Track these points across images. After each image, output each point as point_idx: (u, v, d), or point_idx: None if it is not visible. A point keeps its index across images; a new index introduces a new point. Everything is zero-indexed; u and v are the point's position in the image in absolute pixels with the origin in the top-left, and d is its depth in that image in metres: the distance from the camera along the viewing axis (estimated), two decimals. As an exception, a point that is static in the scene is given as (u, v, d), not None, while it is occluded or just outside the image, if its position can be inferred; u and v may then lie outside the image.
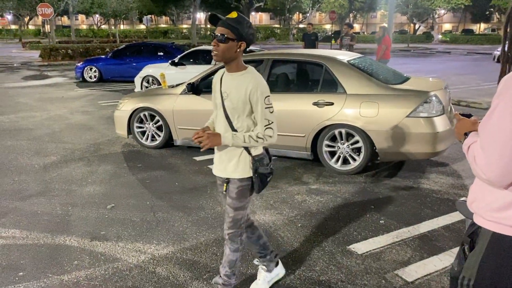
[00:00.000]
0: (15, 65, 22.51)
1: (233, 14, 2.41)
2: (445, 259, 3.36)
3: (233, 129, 2.51)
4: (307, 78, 6.05)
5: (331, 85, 5.37)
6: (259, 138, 2.50)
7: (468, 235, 1.78)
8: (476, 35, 58.40)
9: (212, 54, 2.43)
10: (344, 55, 5.76)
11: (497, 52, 22.43)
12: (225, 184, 2.62)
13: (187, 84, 5.89)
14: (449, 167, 5.61)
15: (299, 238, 3.74)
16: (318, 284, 3.06)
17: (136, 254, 3.50)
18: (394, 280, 3.10)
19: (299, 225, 3.99)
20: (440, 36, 59.26)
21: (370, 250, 3.51)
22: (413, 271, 3.20)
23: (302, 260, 3.38)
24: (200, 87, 5.95)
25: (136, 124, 6.56)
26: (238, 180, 2.57)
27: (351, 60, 5.56)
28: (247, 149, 2.54)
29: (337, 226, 3.95)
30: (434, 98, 4.98)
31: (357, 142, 5.21)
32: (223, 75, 2.58)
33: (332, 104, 5.24)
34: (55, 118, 9.05)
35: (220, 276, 2.80)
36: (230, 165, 2.57)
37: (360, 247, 3.56)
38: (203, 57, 11.69)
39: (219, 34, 2.37)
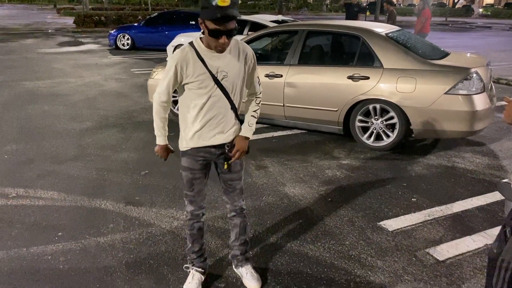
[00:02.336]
0: (50, 31, 22.90)
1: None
2: (478, 240, 3.31)
3: (234, 107, 2.45)
4: (343, 50, 5.92)
5: (368, 58, 5.23)
6: (259, 99, 2.62)
7: (511, 217, 1.74)
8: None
9: (222, 48, 2.27)
10: (382, 28, 5.59)
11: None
12: (225, 163, 2.53)
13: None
14: (485, 147, 5.45)
15: (329, 212, 3.74)
16: (348, 258, 3.07)
17: (169, 220, 3.59)
18: (425, 258, 3.08)
19: (329, 199, 3.99)
20: (480, 10, 56.60)
21: (401, 228, 3.49)
22: (445, 250, 3.17)
23: (332, 234, 3.39)
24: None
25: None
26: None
27: (389, 33, 5.39)
28: (240, 121, 2.55)
29: (367, 202, 3.93)
30: (474, 75, 4.80)
31: (391, 118, 5.10)
32: (198, 56, 2.30)
33: (367, 78, 5.13)
34: (90, 85, 9.22)
35: (235, 249, 2.79)
36: (228, 135, 2.49)
37: (391, 224, 3.54)
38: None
39: (232, 30, 2.21)
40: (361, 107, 5.24)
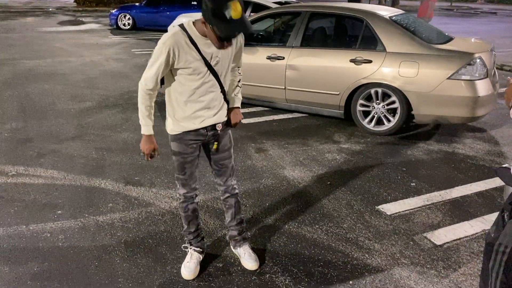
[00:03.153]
0: (50, 9, 22.69)
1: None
2: (476, 225, 3.31)
3: (223, 89, 2.44)
4: (346, 33, 5.85)
5: (371, 41, 5.18)
6: (240, 69, 2.65)
7: (509, 202, 1.74)
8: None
9: (223, 48, 2.29)
10: (386, 11, 5.52)
11: (548, 15, 21.03)
12: (215, 144, 2.52)
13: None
14: (486, 133, 5.43)
15: (328, 195, 3.75)
16: (345, 240, 3.08)
17: (169, 200, 3.60)
18: (422, 242, 3.09)
19: (328, 182, 3.99)
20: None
21: (399, 212, 3.50)
22: (443, 235, 3.18)
23: (330, 216, 3.40)
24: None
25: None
26: (228, 129, 2.61)
27: (393, 17, 5.33)
28: (227, 101, 2.54)
29: (366, 186, 3.93)
30: (478, 60, 4.75)
31: (393, 102, 5.07)
32: (192, 42, 2.21)
33: (370, 61, 5.08)
34: (90, 64, 9.16)
35: (232, 229, 2.80)
36: (218, 116, 2.47)
37: (389, 208, 3.55)
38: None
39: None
40: (363, 91, 5.20)
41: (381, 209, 3.53)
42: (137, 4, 16.57)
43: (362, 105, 5.28)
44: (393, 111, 5.14)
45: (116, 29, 15.29)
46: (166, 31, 12.78)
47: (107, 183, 3.88)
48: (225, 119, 2.54)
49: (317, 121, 5.74)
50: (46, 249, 2.93)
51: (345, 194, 3.77)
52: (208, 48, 2.25)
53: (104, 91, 7.05)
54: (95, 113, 5.89)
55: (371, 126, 5.28)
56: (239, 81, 2.64)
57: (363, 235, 3.16)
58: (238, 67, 2.64)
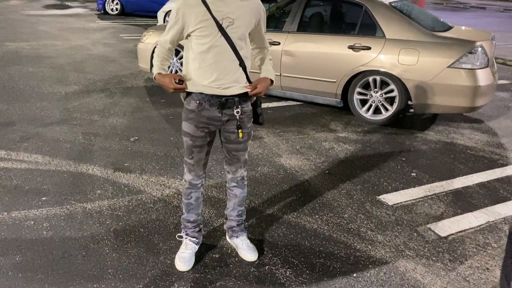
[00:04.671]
0: (35, -7, 22.05)
1: None
2: (480, 217, 3.21)
3: (243, 64, 2.21)
4: (344, 19, 5.67)
5: (370, 28, 5.03)
6: (270, 53, 2.47)
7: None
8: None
9: None
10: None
11: (537, 10, 21.14)
12: (240, 131, 2.30)
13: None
14: (484, 124, 5.34)
15: (327, 184, 3.61)
16: (347, 231, 2.95)
17: (160, 188, 3.42)
18: (426, 233, 2.97)
19: (326, 171, 3.85)
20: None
21: (401, 202, 3.37)
22: (447, 226, 3.07)
23: (330, 206, 3.26)
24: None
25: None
26: (250, 119, 2.39)
27: (393, 2, 5.17)
28: (245, 69, 2.26)
29: (366, 176, 3.80)
30: (479, 49, 4.63)
31: (391, 91, 4.94)
32: (202, 0, 2.11)
33: (369, 48, 4.93)
34: (77, 48, 8.85)
35: (231, 219, 2.63)
36: (239, 88, 2.25)
37: (391, 198, 3.42)
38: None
39: None
40: (361, 79, 5.05)
41: (382, 199, 3.40)
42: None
43: (360, 93, 5.14)
44: (391, 100, 5.01)
45: (104, 14, 14.89)
46: (155, 17, 12.51)
47: (95, 169, 3.68)
48: (244, 90, 2.27)
49: (313, 109, 5.59)
50: (30, 238, 2.73)
51: (345, 184, 3.63)
52: (220, 6, 2.11)
53: (91, 75, 6.79)
54: (82, 97, 5.65)
55: (368, 115, 5.14)
56: (270, 59, 2.44)
57: (365, 226, 3.02)
58: (266, 48, 2.44)
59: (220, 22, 2.11)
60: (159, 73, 2.26)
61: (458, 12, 26.16)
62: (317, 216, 3.11)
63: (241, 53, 2.20)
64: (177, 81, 2.21)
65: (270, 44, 5.48)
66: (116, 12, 14.93)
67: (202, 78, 2.20)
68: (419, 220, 3.13)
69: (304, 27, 5.49)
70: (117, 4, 14.89)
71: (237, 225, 2.64)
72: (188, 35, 2.19)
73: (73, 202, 3.16)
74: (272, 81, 2.37)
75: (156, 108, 5.31)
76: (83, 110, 5.13)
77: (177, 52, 6.20)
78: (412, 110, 5.04)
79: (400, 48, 4.80)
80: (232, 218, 2.63)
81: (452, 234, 2.98)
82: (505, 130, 5.14)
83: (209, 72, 2.18)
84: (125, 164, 3.80)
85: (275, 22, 5.88)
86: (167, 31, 2.24)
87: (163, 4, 12.02)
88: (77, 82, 6.31)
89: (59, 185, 3.38)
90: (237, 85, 2.24)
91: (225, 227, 2.72)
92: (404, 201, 3.39)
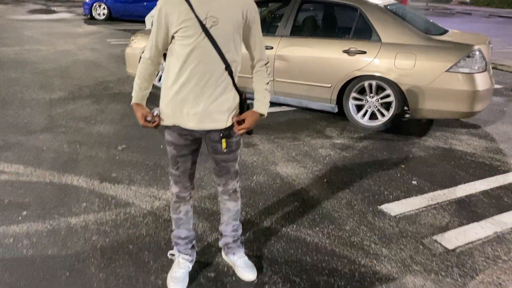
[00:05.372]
0: (20, -2, 21.68)
1: None
2: (486, 227, 3.07)
3: (229, 69, 2.00)
4: (338, 22, 5.54)
5: (365, 31, 4.90)
6: (269, 68, 2.18)
7: None
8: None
9: None
10: (380, 0, 5.25)
11: (523, 16, 21.37)
12: (224, 141, 2.09)
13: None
14: (481, 129, 5.24)
15: (325, 194, 3.44)
16: (350, 245, 2.78)
17: (150, 199, 3.22)
18: (432, 246, 2.82)
19: (325, 180, 3.69)
20: (460, -4, 56.83)
21: (403, 212, 3.22)
22: (453, 238, 2.92)
23: (330, 217, 3.09)
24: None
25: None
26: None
27: (388, 5, 5.06)
28: (237, 88, 2.09)
29: (366, 184, 3.64)
30: (477, 52, 4.53)
31: (387, 96, 4.80)
32: None
33: (364, 52, 4.80)
34: (62, 53, 8.61)
35: (226, 235, 2.44)
36: (225, 115, 2.05)
37: (393, 208, 3.27)
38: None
39: None
40: (356, 84, 4.92)
41: (384, 209, 3.24)
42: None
43: (355, 99, 5.00)
44: (387, 105, 4.88)
45: (90, 19, 14.64)
46: (143, 21, 12.30)
47: (80, 180, 3.47)
48: (228, 122, 2.07)
49: (307, 115, 5.43)
50: (8, 257, 2.51)
51: (344, 193, 3.47)
52: (203, 4, 1.91)
53: (77, 80, 6.56)
54: (67, 103, 5.42)
55: (364, 121, 5.00)
56: (267, 83, 2.15)
57: (368, 239, 2.86)
58: (266, 66, 2.14)
59: (204, 22, 1.91)
60: (135, 103, 2.09)
61: (445, 17, 26.36)
62: (317, 229, 2.94)
63: (227, 56, 1.97)
64: (149, 118, 2.03)
65: (262, 48, 5.38)
66: (103, 17, 14.70)
67: (177, 85, 1.99)
68: (424, 231, 2.98)
69: (298, 31, 5.35)
70: (104, 8, 14.66)
71: (233, 241, 2.45)
72: (172, 38, 1.98)
73: (56, 216, 2.95)
74: (262, 115, 2.15)
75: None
76: (68, 117, 4.91)
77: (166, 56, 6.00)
78: (407, 115, 4.92)
79: (396, 52, 4.67)
80: (227, 234, 2.44)
81: (460, 246, 2.83)
82: (503, 136, 5.04)
83: (189, 76, 1.95)
84: (113, 175, 3.59)
85: (267, 26, 5.73)
86: (151, 38, 2.02)
87: (151, 8, 11.79)
88: (62, 88, 6.08)
89: (41, 198, 3.17)
90: (219, 117, 2.04)
91: (220, 244, 2.52)
92: (407, 211, 3.23)
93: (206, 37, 1.92)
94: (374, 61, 4.75)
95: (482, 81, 4.55)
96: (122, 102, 5.57)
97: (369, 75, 4.81)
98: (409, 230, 2.99)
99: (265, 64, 2.16)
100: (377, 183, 3.66)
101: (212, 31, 1.92)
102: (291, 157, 4.12)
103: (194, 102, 1.99)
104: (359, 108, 5.04)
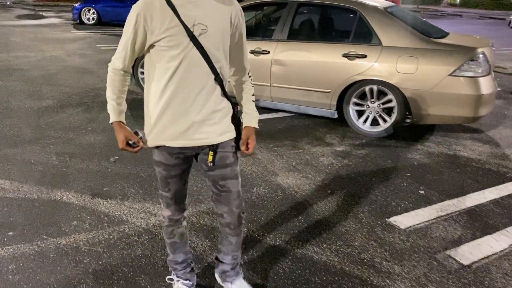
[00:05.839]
0: (8, 3, 21.35)
1: None
2: (501, 240, 2.91)
3: (218, 77, 1.80)
4: (337, 25, 5.38)
5: (365, 35, 4.75)
6: (251, 78, 2.05)
7: None
8: (487, -1, 56.49)
9: None
10: (379, 2, 5.11)
11: (513, 17, 21.50)
12: (210, 154, 1.88)
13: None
14: (484, 134, 5.11)
15: (330, 206, 3.27)
16: (360, 263, 2.61)
17: (145, 216, 3.03)
18: (447, 262, 2.66)
19: (328, 191, 3.52)
20: (449, -1, 57.28)
21: (413, 225, 3.05)
22: (467, 252, 2.76)
23: (338, 233, 2.92)
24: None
25: (140, 70, 5.95)
26: (231, 140, 1.94)
27: (387, 8, 4.92)
28: (230, 100, 1.92)
29: (371, 195, 3.48)
30: (481, 55, 4.40)
31: (389, 101, 4.66)
32: (168, 2, 1.69)
33: (365, 56, 4.65)
34: (51, 59, 8.37)
35: (225, 263, 2.19)
36: (217, 127, 1.86)
37: (402, 221, 3.10)
38: None
39: None
40: (357, 89, 4.77)
41: (393, 222, 3.08)
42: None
43: (356, 104, 4.85)
44: (388, 110, 4.73)
45: (80, 24, 14.40)
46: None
47: (70, 196, 3.26)
48: (227, 137, 1.90)
49: (305, 121, 5.27)
50: (-8, 284, 2.31)
51: (350, 205, 3.30)
52: (190, 10, 1.70)
53: (66, 88, 6.34)
54: (56, 112, 5.21)
55: (365, 127, 4.85)
56: (252, 94, 2.03)
57: (379, 255, 2.69)
58: (249, 76, 2.01)
59: (191, 29, 1.70)
60: (117, 122, 1.84)
61: (437, 19, 26.44)
62: (325, 246, 2.77)
63: (217, 66, 1.78)
64: (131, 142, 1.84)
65: (258, 53, 5.23)
66: (93, 21, 14.47)
67: (162, 102, 1.78)
68: (436, 246, 2.82)
69: (295, 35, 5.19)
70: (93, 13, 14.43)
71: (231, 268, 2.21)
72: (151, 46, 1.74)
73: (45, 237, 2.74)
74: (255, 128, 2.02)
75: (138, 124, 4.91)
76: (57, 127, 4.70)
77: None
78: (408, 121, 4.77)
79: (398, 56, 4.53)
80: (226, 262, 2.19)
81: (475, 261, 2.67)
82: (507, 140, 4.92)
83: (177, 91, 1.76)
84: (105, 189, 3.39)
85: (263, 30, 5.57)
86: (124, 46, 1.77)
87: (142, 13, 11.62)
88: (51, 96, 5.86)
89: (29, 216, 2.96)
90: (211, 131, 1.85)
91: (216, 272, 2.28)
92: (417, 224, 3.07)
93: (194, 47, 1.71)
94: (375, 65, 4.60)
95: (486, 85, 4.42)
96: (114, 110, 5.35)
97: (370, 80, 4.66)
98: (420, 244, 2.83)
99: (249, 74, 2.03)
100: (383, 194, 3.50)
101: (201, 40, 1.72)
102: (291, 167, 3.95)
103: (184, 118, 1.80)
104: (360, 113, 4.88)
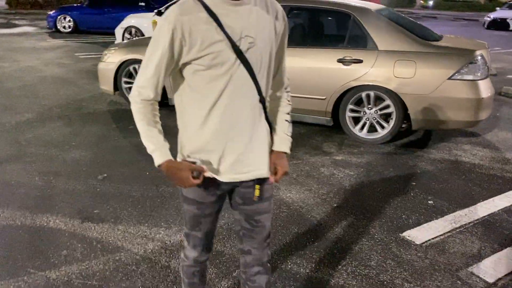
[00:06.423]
0: (-22, 12, 20.65)
1: None
2: (522, 252, 2.77)
3: (262, 99, 1.52)
4: (331, 30, 5.22)
5: (360, 39, 4.60)
6: (289, 94, 1.74)
7: None
8: (458, 1, 57.80)
9: None
10: (369, 5, 4.96)
11: (487, 19, 21.88)
12: (257, 188, 1.59)
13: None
14: (481, 137, 5.02)
15: (339, 222, 3.08)
16: (380, 285, 2.42)
17: (142, 241, 2.78)
18: (471, 280, 2.49)
19: (335, 205, 3.33)
20: (422, 1, 58.37)
21: (429, 239, 2.89)
22: (490, 268, 2.60)
23: (351, 252, 2.73)
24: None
25: (124, 79, 5.67)
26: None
27: (380, 11, 4.78)
28: (269, 123, 1.63)
29: (379, 207, 3.30)
30: (480, 58, 4.30)
31: (387, 107, 4.51)
32: (209, 11, 1.38)
33: (360, 61, 4.49)
34: (27, 70, 7.99)
35: None
36: (264, 155, 1.58)
37: (417, 235, 2.93)
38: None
39: None
40: (353, 95, 4.61)
41: (408, 237, 2.90)
42: (78, 4, 15.28)
43: (352, 111, 4.69)
44: (386, 116, 4.58)
45: (55, 32, 13.94)
46: (112, 34, 11.73)
47: (57, 221, 2.98)
48: (266, 171, 1.59)
49: (300, 129, 5.08)
50: (-27, 331, 2.03)
51: (359, 220, 3.11)
52: (235, 20, 1.40)
53: (45, 100, 6.00)
54: (36, 127, 4.89)
55: (362, 134, 4.69)
56: (288, 113, 1.70)
57: (398, 275, 2.51)
58: (286, 91, 1.71)
59: (238, 44, 1.41)
60: (167, 161, 1.49)
61: (413, 21, 26.66)
62: (339, 267, 2.57)
63: (261, 84, 1.49)
64: (195, 174, 1.50)
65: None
66: (69, 29, 14.03)
67: (211, 152, 1.51)
68: (457, 262, 2.66)
69: (288, 40, 4.99)
70: (69, 21, 13.99)
71: None
72: (185, 65, 1.44)
73: (32, 270, 2.46)
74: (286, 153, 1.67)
75: (125, 137, 4.64)
76: (39, 144, 4.39)
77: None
78: (404, 126, 4.64)
79: (395, 60, 4.39)
80: None
81: (500, 278, 2.52)
82: (505, 143, 4.83)
83: (223, 121, 1.47)
84: (95, 211, 3.12)
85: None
86: (154, 72, 1.44)
87: (120, 20, 11.28)
88: (30, 110, 5.52)
89: (12, 247, 2.67)
90: (260, 163, 1.56)
91: None
92: (432, 238, 2.91)
93: (242, 64, 1.43)
94: (372, 70, 4.45)
95: (485, 88, 4.32)
96: (98, 123, 5.07)
97: (367, 85, 4.51)
98: (440, 261, 2.66)
99: (286, 89, 1.73)
100: (392, 206, 3.33)
101: (248, 55, 1.43)
102: (293, 179, 3.75)
103: (229, 148, 1.51)
104: (356, 120, 4.73)
